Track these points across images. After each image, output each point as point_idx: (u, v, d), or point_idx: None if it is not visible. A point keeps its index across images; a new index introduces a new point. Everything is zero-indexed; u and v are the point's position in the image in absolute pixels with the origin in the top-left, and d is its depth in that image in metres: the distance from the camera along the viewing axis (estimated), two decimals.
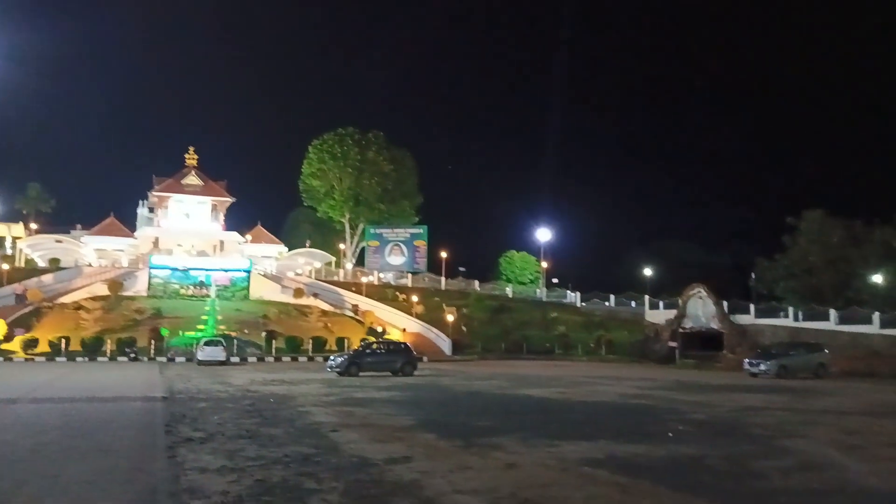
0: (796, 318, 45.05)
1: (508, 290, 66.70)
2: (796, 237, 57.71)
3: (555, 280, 73.38)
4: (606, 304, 60.36)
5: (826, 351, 34.38)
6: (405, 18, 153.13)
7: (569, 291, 65.32)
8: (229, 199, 69.10)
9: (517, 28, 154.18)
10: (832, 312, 43.66)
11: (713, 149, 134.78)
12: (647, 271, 67.78)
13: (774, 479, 8.80)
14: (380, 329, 50.53)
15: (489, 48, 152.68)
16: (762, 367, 32.09)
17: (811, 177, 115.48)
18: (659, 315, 52.38)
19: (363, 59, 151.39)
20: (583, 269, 77.88)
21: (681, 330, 48.31)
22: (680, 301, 49.85)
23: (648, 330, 51.70)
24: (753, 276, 59.18)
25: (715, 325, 47.40)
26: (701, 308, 48.31)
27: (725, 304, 48.38)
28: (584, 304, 61.86)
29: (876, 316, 41.61)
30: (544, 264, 72.21)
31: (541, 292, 66.99)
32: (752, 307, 48.50)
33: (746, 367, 33.21)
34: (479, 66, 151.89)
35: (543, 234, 72.09)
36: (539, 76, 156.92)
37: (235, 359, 39.88)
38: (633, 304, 58.30)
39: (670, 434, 12.61)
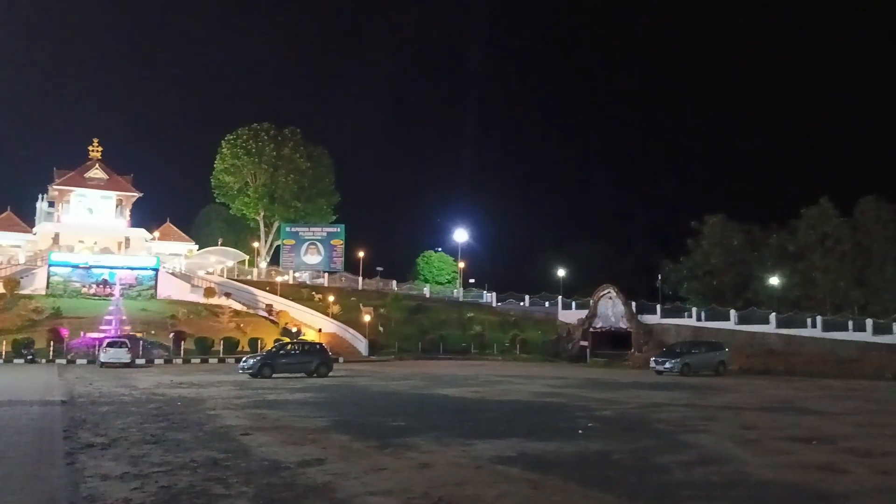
0: (699, 318, 47.10)
1: (426, 290, 66.90)
2: (699, 240, 60.51)
3: (472, 280, 74.25)
4: (521, 304, 61.41)
5: (726, 349, 36.08)
6: (318, 9, 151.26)
7: (485, 292, 66.13)
8: (136, 194, 66.37)
9: (434, 22, 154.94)
10: (732, 313, 45.89)
11: (624, 153, 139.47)
12: (561, 272, 69.41)
13: (677, 472, 9.17)
14: (295, 329, 49.70)
15: (407, 44, 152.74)
16: (667, 365, 33.41)
17: (712, 181, 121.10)
18: (571, 315, 53.68)
19: (280, 52, 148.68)
20: (499, 269, 79.28)
21: (592, 329, 49.67)
22: (591, 301, 51.25)
23: (561, 329, 52.90)
24: (660, 277, 61.60)
25: (624, 324, 48.96)
26: (611, 308, 49.80)
27: (634, 304, 50.07)
28: (499, 304, 62.72)
29: (773, 316, 44.02)
30: (461, 265, 72.86)
31: (458, 292, 67.52)
32: (658, 307, 50.41)
33: (652, 365, 34.51)
34: (397, 65, 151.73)
35: (460, 235, 72.79)
36: (456, 74, 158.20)
37: (141, 361, 38.39)
38: (546, 304, 59.52)
39: (580, 431, 12.96)
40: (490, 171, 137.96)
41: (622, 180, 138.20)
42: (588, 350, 47.94)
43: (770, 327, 43.43)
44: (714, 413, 16.44)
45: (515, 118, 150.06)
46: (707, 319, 46.66)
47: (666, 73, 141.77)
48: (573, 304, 55.37)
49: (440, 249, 78.44)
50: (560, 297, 57.93)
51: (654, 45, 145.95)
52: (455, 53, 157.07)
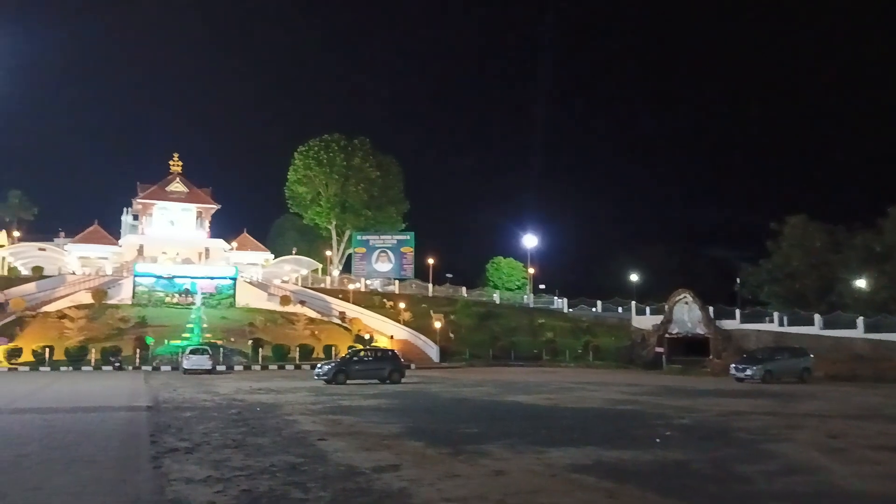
0: (781, 323, 45.35)
1: (496, 297, 66.77)
2: (779, 242, 58.24)
3: (542, 286, 73.65)
4: (593, 310, 60.52)
5: (811, 355, 34.62)
6: (392, 26, 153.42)
7: (556, 297, 65.51)
8: (214, 206, 68.74)
9: (504, 33, 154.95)
10: (816, 317, 44.01)
11: (699, 155, 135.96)
12: (634, 277, 68.06)
13: (759, 482, 8.85)
14: (367, 336, 50.40)
15: (476, 53, 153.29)
16: (748, 371, 32.28)
17: (793, 182, 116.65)
18: (645, 321, 52.57)
19: (350, 66, 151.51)
20: (569, 275, 78.44)
21: (667, 335, 48.51)
22: (666, 306, 50.06)
23: (635, 335, 51.87)
24: (738, 281, 59.65)
25: (701, 330, 47.62)
26: (687, 313, 48.54)
27: (711, 309, 48.63)
28: (571, 310, 62.01)
29: (860, 320, 41.97)
30: (531, 270, 72.42)
31: (528, 298, 67.11)
32: (737, 312, 48.79)
33: (732, 372, 33.39)
34: (466, 71, 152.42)
35: (530, 241, 72.38)
36: (527, 82, 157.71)
37: (221, 367, 39.62)
38: (619, 309, 58.49)
39: (657, 439, 12.65)
40: (560, 175, 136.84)
41: (697, 181, 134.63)
42: (664, 356, 46.82)
43: (857, 332, 41.41)
44: (798, 421, 15.79)
45: (585, 120, 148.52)
46: (789, 324, 44.89)
47: (741, 70, 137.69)
48: (647, 309, 54.21)
49: (510, 254, 78.22)
50: (633, 303, 56.81)
51: (725, 44, 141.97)
52: (524, 58, 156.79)
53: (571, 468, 9.58)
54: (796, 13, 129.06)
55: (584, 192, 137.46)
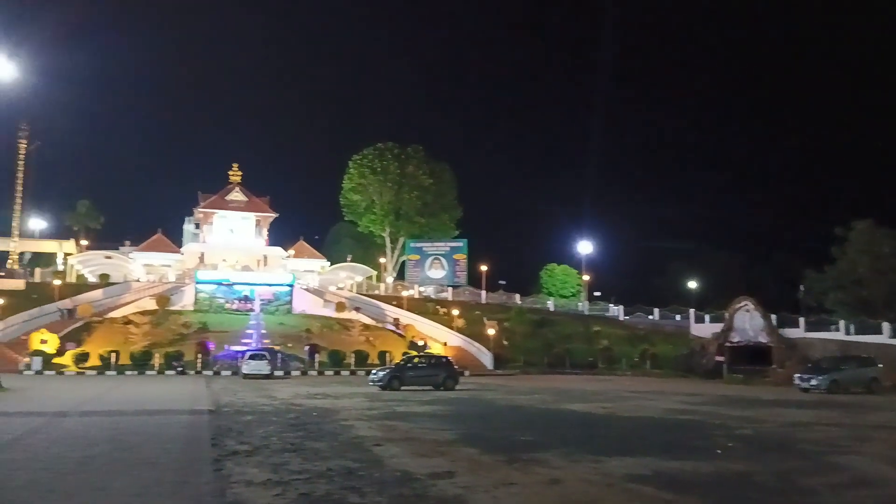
0: (847, 332, 43.82)
1: (550, 304, 66.27)
2: (845, 248, 56.17)
3: (597, 293, 72.77)
4: (650, 317, 59.52)
5: (879, 365, 33.37)
6: (446, 34, 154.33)
7: (611, 305, 64.68)
8: (272, 215, 70.14)
9: (557, 37, 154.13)
10: (885, 325, 42.35)
11: (759, 159, 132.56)
12: (692, 284, 66.67)
13: (825, 495, 8.55)
14: (421, 343, 50.62)
15: (529, 60, 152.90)
16: (813, 381, 31.25)
17: (859, 187, 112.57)
18: (705, 329, 51.46)
19: (404, 74, 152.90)
20: (625, 281, 77.21)
21: (728, 344, 47.38)
22: (726, 314, 48.91)
23: (694, 344, 50.81)
24: (802, 288, 57.75)
25: (763, 338, 46.37)
26: (748, 321, 47.33)
27: (774, 317, 47.32)
28: (627, 317, 61.12)
29: None
30: (586, 277, 71.64)
31: (583, 305, 66.42)
32: (801, 320, 47.34)
33: (797, 381, 32.38)
34: (521, 76, 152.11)
35: (585, 247, 71.64)
36: (580, 87, 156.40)
37: (279, 372, 40.31)
38: (677, 317, 57.43)
39: (718, 450, 12.34)
40: (616, 180, 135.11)
41: (758, 186, 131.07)
42: (724, 366, 45.68)
43: None
44: (867, 433, 15.20)
45: (642, 125, 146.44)
46: (856, 333, 43.33)
47: (803, 72, 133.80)
48: (707, 317, 53.04)
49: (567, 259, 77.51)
50: (692, 310, 55.65)
51: (787, 45, 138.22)
52: (582, 62, 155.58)
53: (629, 478, 9.41)
54: (852, 13, 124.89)
55: (641, 197, 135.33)
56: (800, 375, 32.75)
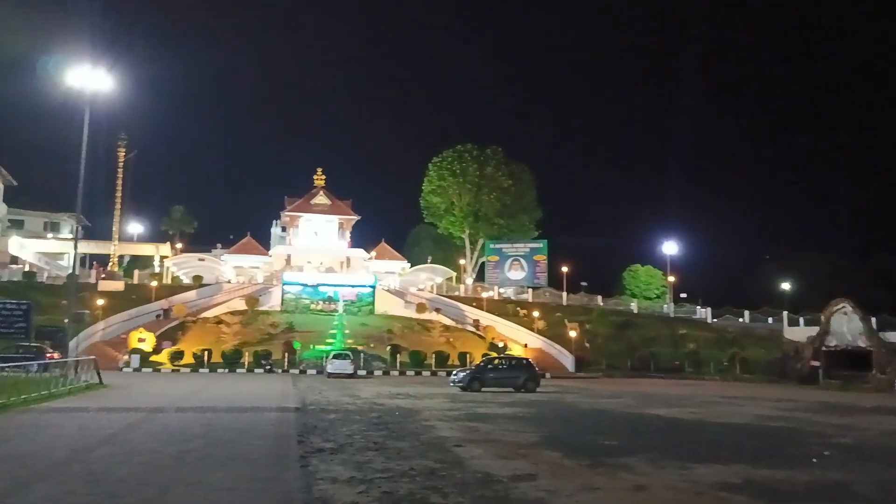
0: None
1: (633, 306, 64.88)
2: None
3: (683, 295, 70.64)
4: (740, 320, 57.48)
5: None
6: (523, 35, 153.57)
7: (698, 307, 62.75)
8: (354, 217, 71.49)
9: (642, 34, 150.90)
10: None
11: (855, 157, 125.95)
12: (785, 285, 63.93)
13: None
14: (501, 344, 50.47)
15: (613, 60, 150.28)
16: None
17: None
18: (799, 332, 49.26)
19: (484, 77, 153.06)
20: (713, 283, 74.80)
21: (824, 348, 45.19)
22: (822, 317, 46.65)
23: (788, 348, 48.70)
24: None
25: (862, 342, 43.98)
26: (846, 324, 44.98)
27: (874, 320, 44.79)
28: (715, 319, 59.19)
29: None
30: (671, 278, 69.77)
31: (668, 307, 64.71)
32: None
33: None
34: (602, 76, 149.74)
35: (670, 247, 69.75)
36: (666, 83, 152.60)
37: (362, 372, 40.99)
38: (769, 320, 55.31)
39: (814, 458, 11.77)
40: (702, 177, 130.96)
41: (854, 181, 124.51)
42: (820, 371, 43.64)
43: None
44: None
45: (728, 120, 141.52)
46: None
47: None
48: (801, 320, 50.74)
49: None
50: (785, 313, 53.34)
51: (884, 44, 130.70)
52: (666, 60, 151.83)
53: (719, 486, 9.08)
54: None
55: (730, 196, 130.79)
56: None
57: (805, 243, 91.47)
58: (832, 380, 41.86)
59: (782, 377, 45.16)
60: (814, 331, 46.86)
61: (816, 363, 44.31)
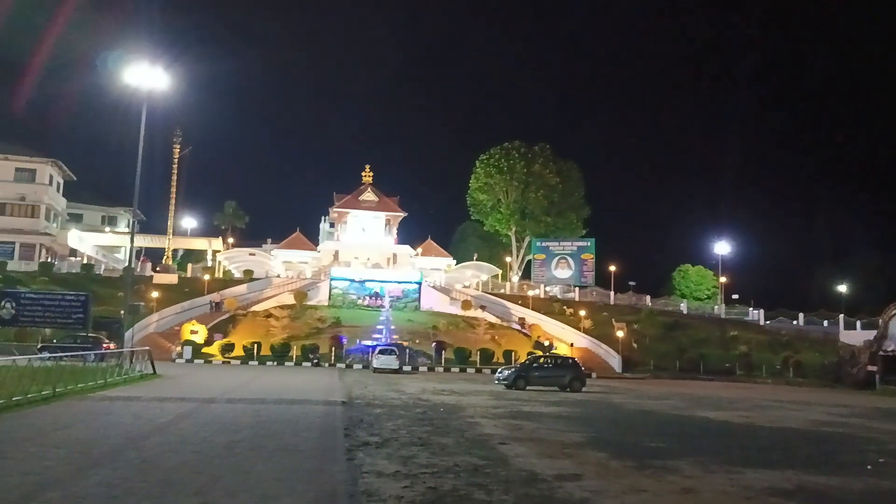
0: None
1: (683, 306, 63.78)
2: None
3: (735, 296, 69.20)
4: (794, 322, 56.05)
5: None
6: (570, 33, 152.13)
7: (751, 309, 61.37)
8: (401, 214, 71.87)
9: (694, 31, 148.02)
10: None
11: None
12: (842, 288, 62.06)
13: None
14: (547, 343, 50.17)
15: (664, 60, 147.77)
16: None
17: None
18: (855, 336, 47.81)
19: (532, 74, 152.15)
20: (767, 284, 73.14)
21: (881, 353, 43.74)
22: (880, 321, 45.17)
23: (843, 352, 47.31)
24: None
25: None
26: None
27: None
28: (768, 322, 57.83)
29: None
30: (723, 279, 68.36)
31: (719, 309, 63.43)
32: None
33: None
34: (653, 74, 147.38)
35: (722, 248, 68.34)
36: (718, 79, 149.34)
37: (407, 367, 41.22)
38: (825, 323, 53.84)
39: (869, 466, 11.44)
40: (756, 176, 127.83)
41: None
42: (877, 376, 42.23)
43: None
44: None
45: (782, 120, 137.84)
46: None
47: None
48: (858, 323, 49.24)
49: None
50: (842, 316, 51.80)
51: None
52: (718, 58, 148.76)
53: (770, 492, 8.88)
54: None
55: (784, 195, 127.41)
56: None
57: (863, 245, 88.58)
58: (890, 385, 40.49)
59: (837, 382, 43.94)
60: (871, 335, 45.47)
61: (873, 368, 42.96)
